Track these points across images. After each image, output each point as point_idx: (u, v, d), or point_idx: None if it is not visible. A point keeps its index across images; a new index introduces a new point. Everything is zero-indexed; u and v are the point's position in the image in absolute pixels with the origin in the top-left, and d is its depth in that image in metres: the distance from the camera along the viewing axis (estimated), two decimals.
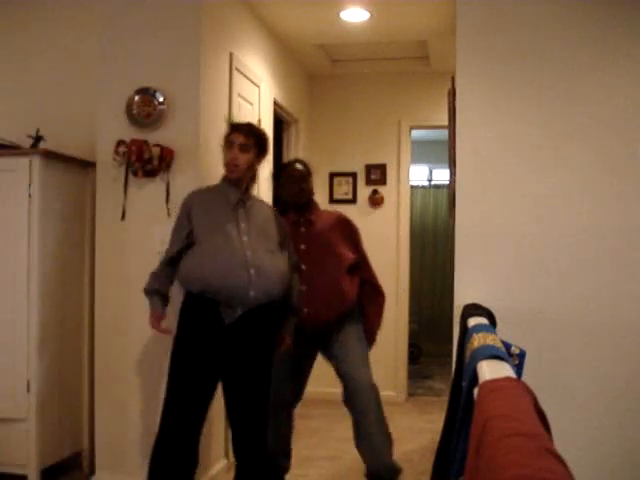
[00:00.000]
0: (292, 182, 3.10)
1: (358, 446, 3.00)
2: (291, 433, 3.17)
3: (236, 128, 2.72)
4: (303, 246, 3.02)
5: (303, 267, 2.98)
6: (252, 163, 2.69)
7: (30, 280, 3.05)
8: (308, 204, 3.15)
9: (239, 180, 2.67)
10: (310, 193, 3.17)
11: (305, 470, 3.25)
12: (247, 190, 2.73)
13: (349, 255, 3.08)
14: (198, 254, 2.57)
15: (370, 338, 3.14)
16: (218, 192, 2.72)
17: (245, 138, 2.65)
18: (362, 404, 2.96)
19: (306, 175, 3.16)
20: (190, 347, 2.57)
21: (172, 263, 2.66)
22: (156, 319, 2.69)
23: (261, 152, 2.72)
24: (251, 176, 2.72)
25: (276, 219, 2.82)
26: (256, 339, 2.62)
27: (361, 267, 3.14)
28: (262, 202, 2.94)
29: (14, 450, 3.06)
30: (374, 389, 2.99)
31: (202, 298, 2.53)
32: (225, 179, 2.72)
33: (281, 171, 3.24)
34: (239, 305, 2.52)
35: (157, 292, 2.68)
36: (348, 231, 3.18)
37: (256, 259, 2.55)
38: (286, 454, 3.15)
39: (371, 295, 3.15)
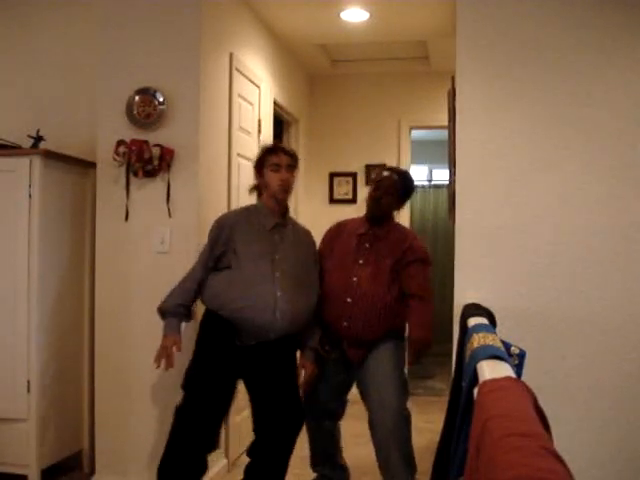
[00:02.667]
0: (379, 191, 2.90)
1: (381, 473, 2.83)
2: (338, 444, 3.12)
3: (279, 149, 2.74)
4: (361, 261, 2.85)
5: (354, 279, 2.82)
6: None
7: (30, 280, 3.05)
8: (385, 219, 2.93)
9: (282, 203, 2.71)
10: (391, 208, 2.92)
11: (305, 470, 3.24)
12: (285, 214, 2.74)
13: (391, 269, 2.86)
14: (230, 280, 2.58)
15: (410, 353, 2.84)
16: (255, 216, 2.70)
17: (291, 159, 2.70)
18: (384, 436, 2.74)
19: (397, 187, 2.90)
20: (210, 361, 2.60)
21: (197, 284, 2.65)
22: (171, 344, 2.59)
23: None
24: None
25: (311, 243, 2.86)
26: (274, 360, 2.66)
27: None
28: (297, 225, 2.90)
29: (14, 450, 3.06)
30: (403, 418, 2.76)
31: (223, 318, 2.57)
32: (261, 203, 2.73)
33: (375, 177, 3.06)
34: (254, 339, 2.58)
35: (179, 307, 2.63)
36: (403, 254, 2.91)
37: (284, 301, 2.56)
38: (337, 465, 3.10)
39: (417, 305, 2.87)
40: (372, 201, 2.90)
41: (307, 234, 2.90)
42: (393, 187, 2.88)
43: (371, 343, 2.83)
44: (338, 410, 3.06)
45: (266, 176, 2.68)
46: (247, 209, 2.76)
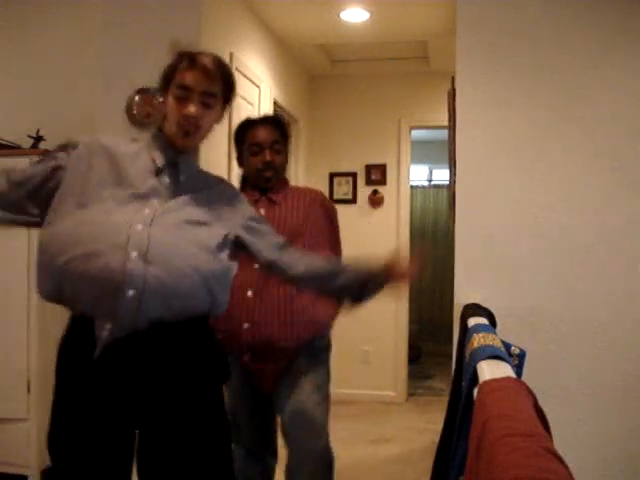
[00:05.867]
0: (257, 150, 2.23)
1: None
2: None
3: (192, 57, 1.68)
4: None
5: (256, 266, 1.93)
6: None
7: (30, 280, 3.05)
8: (274, 180, 2.26)
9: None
10: (282, 168, 2.31)
11: None
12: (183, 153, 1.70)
13: (325, 251, 2.22)
14: (56, 226, 1.54)
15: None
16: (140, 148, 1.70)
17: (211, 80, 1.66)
18: None
19: (279, 140, 2.26)
20: (67, 395, 1.58)
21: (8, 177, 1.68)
22: None
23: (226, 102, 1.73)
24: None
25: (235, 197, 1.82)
26: (162, 387, 1.53)
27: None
28: (210, 177, 1.84)
29: (14, 450, 3.06)
30: (325, 459, 2.21)
31: (77, 319, 1.58)
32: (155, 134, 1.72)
33: (243, 132, 2.30)
34: (108, 317, 1.46)
35: None
36: (327, 216, 2.34)
37: (151, 234, 1.49)
38: None
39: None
40: (257, 166, 2.24)
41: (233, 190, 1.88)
42: (272, 142, 2.26)
43: (284, 355, 2.15)
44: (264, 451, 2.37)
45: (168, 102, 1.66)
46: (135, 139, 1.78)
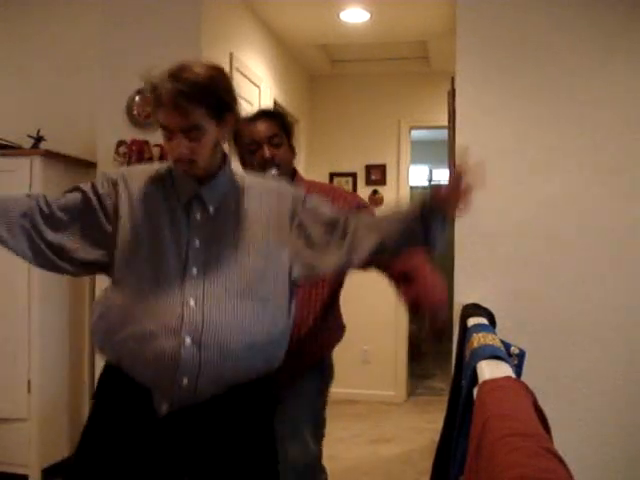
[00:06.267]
0: (255, 148, 2.03)
1: None
2: None
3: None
4: None
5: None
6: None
7: (31, 281, 3.05)
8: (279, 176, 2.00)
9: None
10: (285, 162, 2.08)
11: None
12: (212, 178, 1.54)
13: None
14: (109, 293, 1.53)
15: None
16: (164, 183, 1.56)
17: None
18: None
19: (278, 133, 2.06)
20: (105, 445, 1.50)
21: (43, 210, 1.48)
22: None
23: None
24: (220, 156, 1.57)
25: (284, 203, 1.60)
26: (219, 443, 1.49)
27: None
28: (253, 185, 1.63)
29: (15, 450, 3.07)
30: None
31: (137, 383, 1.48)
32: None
33: (239, 131, 2.03)
34: (165, 397, 1.44)
35: None
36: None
37: (205, 314, 1.43)
38: None
39: None
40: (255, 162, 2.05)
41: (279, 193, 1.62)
42: (269, 137, 2.05)
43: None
44: None
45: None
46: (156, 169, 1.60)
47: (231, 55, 3.45)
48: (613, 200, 2.62)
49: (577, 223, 2.64)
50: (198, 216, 1.51)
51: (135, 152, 3.03)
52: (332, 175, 5.24)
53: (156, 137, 3.08)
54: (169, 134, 1.46)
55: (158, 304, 1.44)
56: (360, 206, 2.05)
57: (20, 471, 3.06)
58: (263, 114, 2.12)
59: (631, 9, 2.62)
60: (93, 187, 1.52)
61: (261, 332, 1.46)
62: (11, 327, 3.08)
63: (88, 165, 3.34)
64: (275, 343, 1.51)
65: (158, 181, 1.55)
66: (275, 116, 2.12)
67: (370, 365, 5.12)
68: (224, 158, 1.57)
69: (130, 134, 3.10)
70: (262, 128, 2.05)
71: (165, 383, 1.42)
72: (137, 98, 3.11)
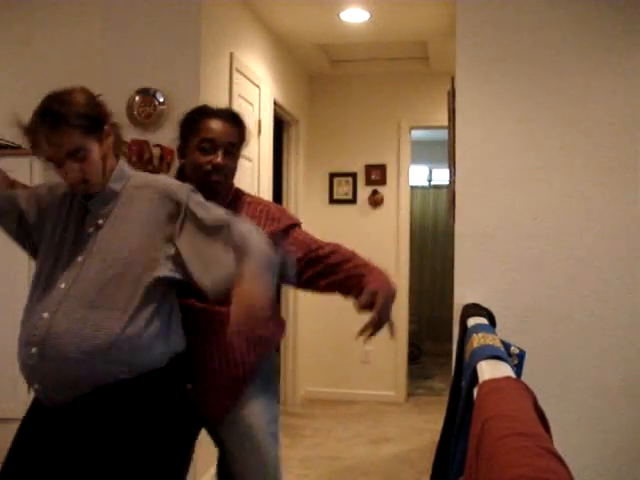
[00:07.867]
0: (208, 148, 1.90)
1: None
2: None
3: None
4: None
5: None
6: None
7: (30, 280, 3.04)
8: (221, 186, 1.94)
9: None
10: (231, 174, 1.99)
11: (305, 470, 3.25)
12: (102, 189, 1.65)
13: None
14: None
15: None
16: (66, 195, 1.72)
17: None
18: None
19: (236, 143, 1.97)
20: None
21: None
22: None
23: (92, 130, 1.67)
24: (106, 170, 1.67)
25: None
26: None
27: None
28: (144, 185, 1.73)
29: None
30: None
31: None
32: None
33: (195, 122, 1.94)
34: (39, 396, 1.63)
35: None
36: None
37: (52, 326, 1.56)
38: None
39: None
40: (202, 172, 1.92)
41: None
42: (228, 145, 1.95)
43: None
44: None
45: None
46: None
47: (231, 55, 3.45)
48: (613, 200, 2.62)
49: (577, 223, 2.64)
50: (91, 230, 1.64)
51: (135, 152, 3.03)
52: (332, 175, 5.25)
53: (156, 137, 3.08)
54: (58, 163, 1.58)
55: (28, 316, 1.67)
56: (288, 228, 1.99)
57: None
58: (232, 117, 2.00)
59: (631, 9, 2.62)
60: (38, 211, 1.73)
61: (102, 337, 1.52)
62: (11, 327, 3.07)
63: None
64: (124, 347, 1.53)
65: (68, 199, 1.71)
66: (241, 125, 2.01)
67: (370, 365, 5.11)
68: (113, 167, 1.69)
69: (130, 134, 3.10)
70: (226, 130, 1.94)
71: (29, 385, 1.62)
72: (137, 98, 3.11)
